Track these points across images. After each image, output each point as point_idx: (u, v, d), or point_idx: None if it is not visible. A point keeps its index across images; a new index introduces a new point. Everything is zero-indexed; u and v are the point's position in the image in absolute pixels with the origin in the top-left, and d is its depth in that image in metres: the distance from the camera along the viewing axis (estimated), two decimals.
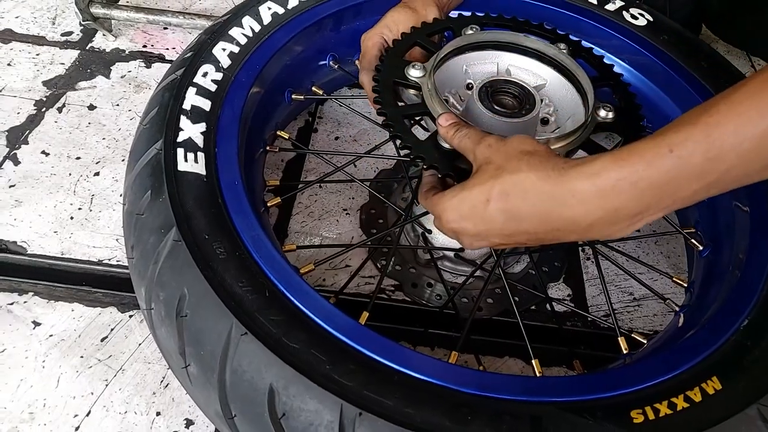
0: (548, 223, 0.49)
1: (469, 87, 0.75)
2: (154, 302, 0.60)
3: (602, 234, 0.48)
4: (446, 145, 0.61)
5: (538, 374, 0.62)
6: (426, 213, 0.79)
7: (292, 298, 0.56)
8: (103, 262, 0.83)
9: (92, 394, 0.70)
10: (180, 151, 0.66)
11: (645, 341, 0.69)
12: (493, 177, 0.50)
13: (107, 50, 1.13)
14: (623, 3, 0.95)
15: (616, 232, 0.48)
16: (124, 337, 0.76)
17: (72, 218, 0.87)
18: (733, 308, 0.62)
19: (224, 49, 0.78)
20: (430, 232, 0.83)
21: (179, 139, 0.68)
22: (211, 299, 0.55)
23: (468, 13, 0.79)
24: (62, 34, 1.16)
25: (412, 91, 0.69)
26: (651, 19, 0.93)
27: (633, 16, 0.93)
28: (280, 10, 0.86)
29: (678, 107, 0.86)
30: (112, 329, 0.77)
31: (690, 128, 0.42)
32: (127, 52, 1.13)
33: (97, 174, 0.93)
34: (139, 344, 0.75)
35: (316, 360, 0.52)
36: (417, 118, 0.78)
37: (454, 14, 0.79)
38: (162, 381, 0.72)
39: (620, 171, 0.44)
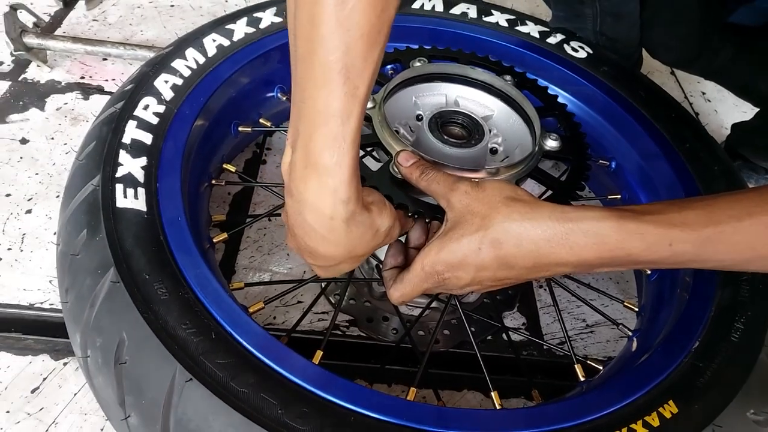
0: (539, 268, 0.50)
1: (419, 118, 0.75)
2: (90, 349, 0.55)
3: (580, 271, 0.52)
4: (398, 175, 0.60)
5: (497, 407, 0.60)
6: None
7: (240, 339, 0.53)
8: (35, 305, 0.77)
9: None
10: (119, 187, 0.63)
11: (600, 367, 0.70)
12: (482, 227, 0.50)
13: (42, 81, 1.08)
14: (564, 36, 0.98)
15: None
16: (57, 386, 0.70)
17: (0, 259, 0.81)
18: (684, 330, 0.63)
19: (167, 82, 0.76)
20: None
21: (118, 175, 0.64)
22: (153, 343, 0.51)
23: (416, 46, 0.79)
24: None
25: None
26: (591, 51, 0.97)
27: (573, 49, 0.96)
28: (226, 42, 0.84)
29: (620, 134, 0.89)
30: (44, 379, 0.71)
31: (693, 234, 0.46)
32: (63, 84, 1.08)
33: (29, 212, 0.88)
34: (75, 394, 0.70)
35: (267, 404, 0.49)
36: (369, 149, 0.78)
37: (401, 47, 0.79)
38: None
39: (620, 242, 0.47)
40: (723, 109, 1.33)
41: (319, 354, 0.62)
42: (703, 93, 1.37)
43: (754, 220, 0.45)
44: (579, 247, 0.47)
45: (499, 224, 0.49)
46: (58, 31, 1.20)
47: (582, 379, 0.66)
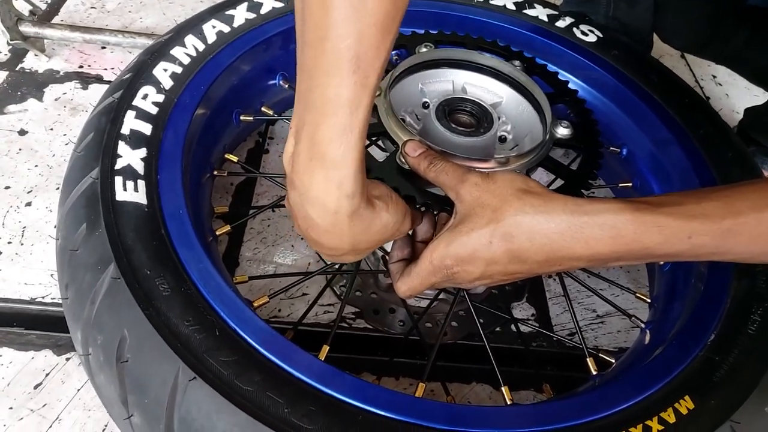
0: (552, 262, 0.48)
1: (425, 105, 0.73)
2: (91, 347, 0.54)
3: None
4: (405, 166, 0.59)
5: (508, 402, 0.59)
6: None
7: (245, 336, 0.52)
8: (36, 300, 0.76)
9: None
10: (118, 180, 0.61)
11: (613, 360, 0.68)
12: (493, 220, 0.48)
13: (40, 71, 1.06)
14: (573, 20, 0.96)
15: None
16: (60, 382, 0.70)
17: (1, 253, 0.80)
18: (699, 323, 0.62)
19: (166, 70, 0.74)
20: None
21: (117, 167, 0.62)
22: (155, 341, 0.50)
23: (421, 31, 0.77)
24: None
25: None
26: (601, 35, 0.94)
27: (583, 33, 0.94)
28: (226, 29, 0.82)
29: (631, 120, 0.87)
30: (47, 374, 0.70)
31: (713, 226, 0.44)
32: (61, 73, 1.07)
33: (28, 204, 0.86)
34: (78, 390, 0.69)
35: (273, 403, 0.48)
36: (374, 138, 0.76)
37: (407, 32, 0.77)
38: (104, 430, 0.66)
39: (638, 235, 0.45)
40: (734, 93, 1.30)
41: (325, 349, 0.60)
42: (714, 77, 1.34)
43: None
44: (594, 240, 0.46)
45: (510, 217, 0.47)
46: (56, 19, 1.17)
47: (594, 372, 0.64)
